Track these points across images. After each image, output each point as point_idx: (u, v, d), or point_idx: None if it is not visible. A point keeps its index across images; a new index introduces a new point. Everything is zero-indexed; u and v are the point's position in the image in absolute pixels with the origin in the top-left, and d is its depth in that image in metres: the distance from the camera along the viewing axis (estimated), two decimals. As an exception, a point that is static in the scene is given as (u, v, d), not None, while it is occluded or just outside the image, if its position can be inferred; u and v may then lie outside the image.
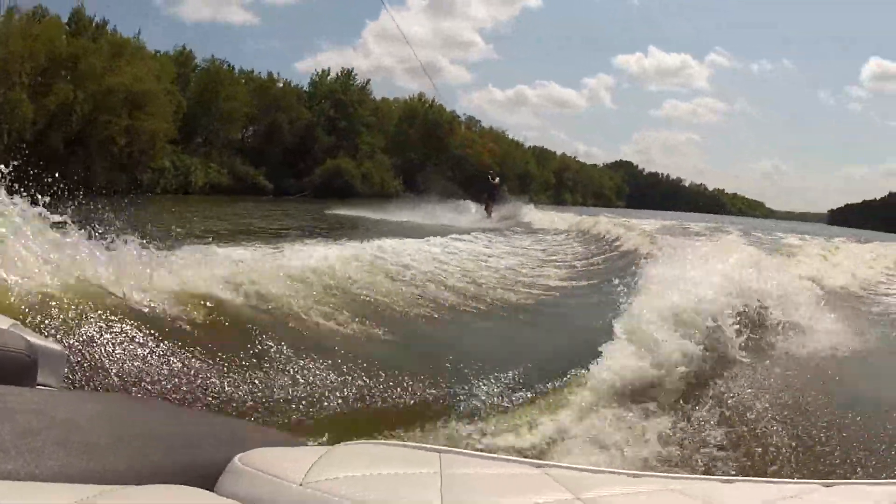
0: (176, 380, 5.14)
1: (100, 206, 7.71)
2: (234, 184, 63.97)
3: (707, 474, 4.72)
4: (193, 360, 5.47)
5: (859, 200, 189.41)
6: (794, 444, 5.76)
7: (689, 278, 9.19)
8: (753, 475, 4.87)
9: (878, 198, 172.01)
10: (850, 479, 4.35)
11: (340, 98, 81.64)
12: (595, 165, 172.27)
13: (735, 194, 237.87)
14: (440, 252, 14.51)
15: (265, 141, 71.99)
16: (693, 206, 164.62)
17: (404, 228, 25.35)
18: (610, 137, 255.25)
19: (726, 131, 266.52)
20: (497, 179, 33.91)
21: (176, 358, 5.41)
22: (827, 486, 1.30)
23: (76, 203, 6.89)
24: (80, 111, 48.65)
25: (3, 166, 6.09)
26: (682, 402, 6.56)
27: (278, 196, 63.68)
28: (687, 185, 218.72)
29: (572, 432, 5.68)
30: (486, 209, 31.30)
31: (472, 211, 32.45)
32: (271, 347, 6.11)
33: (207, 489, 1.11)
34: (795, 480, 1.43)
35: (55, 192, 6.51)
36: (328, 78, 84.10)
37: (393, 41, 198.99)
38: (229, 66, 72.29)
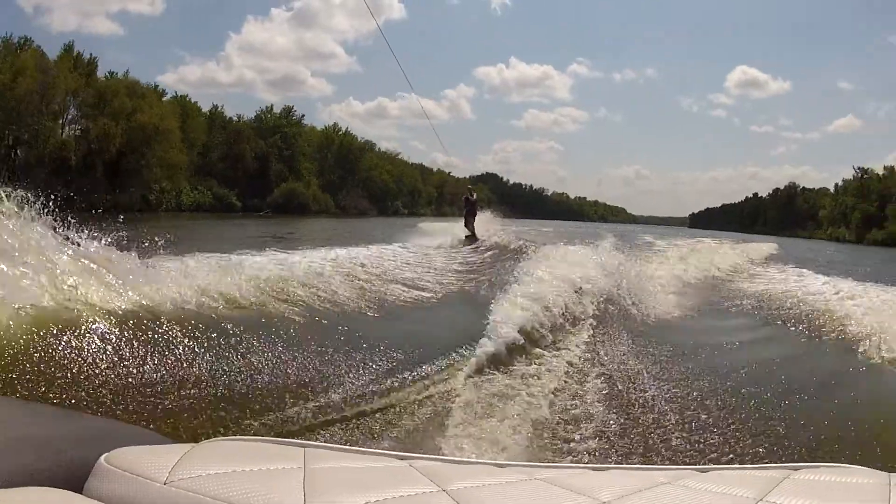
0: (42, 377, 5.02)
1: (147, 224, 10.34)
2: (214, 203, 76.75)
3: (580, 461, 5.01)
4: (58, 356, 5.35)
5: (719, 204, 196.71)
6: (672, 429, 5.90)
7: (563, 272, 10.30)
8: (632, 462, 5.23)
9: (736, 201, 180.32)
10: (725, 464, 4.17)
11: (286, 131, 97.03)
12: (464, 178, 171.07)
13: (596, 201, 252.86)
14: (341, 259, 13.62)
15: (230, 166, 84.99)
16: (556, 214, 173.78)
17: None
18: (470, 148, 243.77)
19: (588, 140, 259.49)
20: (475, 196, 31.09)
21: (41, 354, 5.28)
22: (702, 472, 1.31)
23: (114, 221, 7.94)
24: (116, 144, 60.76)
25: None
26: (555, 390, 6.79)
27: (246, 213, 75.57)
28: (549, 193, 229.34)
29: (445, 419, 5.73)
30: (466, 225, 29.08)
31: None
32: (135, 343, 5.93)
33: (77, 490, 1.13)
34: (670, 466, 1.51)
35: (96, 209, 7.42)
36: (272, 113, 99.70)
37: (255, 53, 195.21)
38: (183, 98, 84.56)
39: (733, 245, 32.06)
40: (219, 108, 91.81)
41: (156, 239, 8.66)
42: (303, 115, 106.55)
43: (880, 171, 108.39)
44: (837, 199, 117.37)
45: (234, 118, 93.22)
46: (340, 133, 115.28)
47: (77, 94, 62.06)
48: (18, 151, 58.30)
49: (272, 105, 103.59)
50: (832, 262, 33.82)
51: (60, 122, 62.91)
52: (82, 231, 7.53)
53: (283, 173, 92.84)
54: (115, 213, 8.99)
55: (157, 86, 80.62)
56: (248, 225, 45.25)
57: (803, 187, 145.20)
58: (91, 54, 68.71)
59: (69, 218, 7.43)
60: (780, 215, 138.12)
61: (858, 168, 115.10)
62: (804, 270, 20.44)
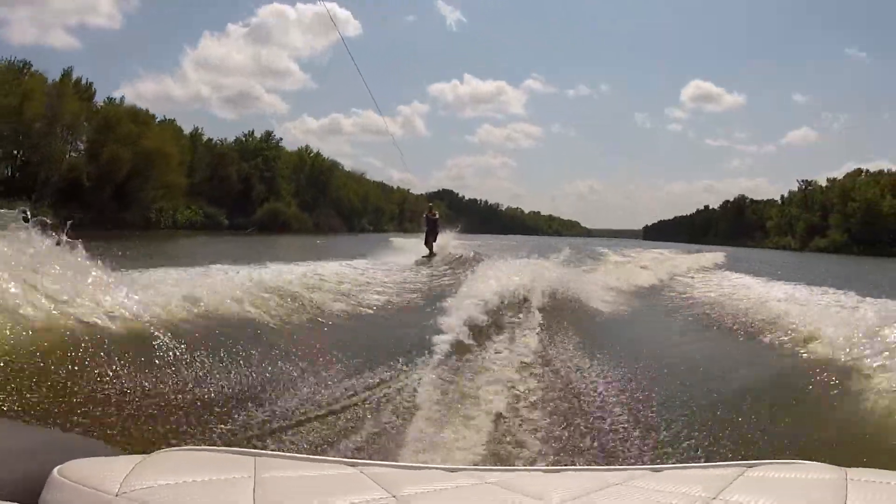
0: None
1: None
2: (205, 221, 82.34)
3: (533, 464, 5.02)
4: (9, 368, 5.30)
5: (672, 216, 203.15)
6: (627, 429, 5.86)
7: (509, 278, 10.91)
8: (586, 462, 5.18)
9: (688, 213, 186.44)
10: (680, 462, 3.99)
11: (266, 154, 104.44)
12: (422, 195, 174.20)
13: (551, 216, 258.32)
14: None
15: (216, 187, 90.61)
16: (510, 229, 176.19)
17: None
18: (425, 164, 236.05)
19: (542, 155, 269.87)
20: (436, 215, 29.98)
21: None
22: (655, 472, 1.30)
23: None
24: (126, 167, 65.51)
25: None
26: (508, 391, 6.76)
27: (234, 230, 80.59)
28: (503, 209, 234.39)
29: (398, 422, 5.66)
30: (426, 244, 28.63)
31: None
32: (87, 355, 5.89)
33: (31, 503, 1.13)
34: (624, 467, 1.43)
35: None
36: (253, 138, 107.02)
37: (210, 69, 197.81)
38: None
39: (683, 254, 34.20)
40: (199, 131, 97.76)
41: (119, 251, 9.06)
42: (280, 139, 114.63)
43: (824, 184, 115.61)
44: (784, 210, 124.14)
45: (217, 141, 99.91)
46: (312, 155, 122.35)
47: (80, 118, 66.85)
48: (38, 172, 62.36)
49: (253, 130, 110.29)
50: (773, 266, 35.07)
51: (60, 142, 66.58)
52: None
53: (264, 194, 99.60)
54: (123, 231, 11.48)
55: (147, 110, 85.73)
56: (238, 241, 49.46)
57: (752, 199, 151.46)
58: (88, 79, 73.66)
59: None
60: (731, 226, 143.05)
61: (803, 181, 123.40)
62: (746, 275, 21.57)
